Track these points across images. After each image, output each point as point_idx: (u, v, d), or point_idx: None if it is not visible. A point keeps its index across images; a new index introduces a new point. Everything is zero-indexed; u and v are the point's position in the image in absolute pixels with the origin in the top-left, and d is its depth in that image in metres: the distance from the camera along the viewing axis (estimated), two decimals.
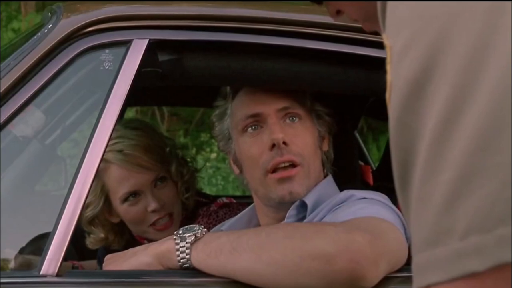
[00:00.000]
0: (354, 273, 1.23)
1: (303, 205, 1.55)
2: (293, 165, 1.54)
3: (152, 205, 1.83)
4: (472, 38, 0.51)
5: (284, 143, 1.53)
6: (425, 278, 0.51)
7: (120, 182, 1.84)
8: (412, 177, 0.53)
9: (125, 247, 1.95)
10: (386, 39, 0.58)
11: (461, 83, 0.51)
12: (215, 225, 1.91)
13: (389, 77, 0.57)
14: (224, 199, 2.03)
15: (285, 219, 1.55)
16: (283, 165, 1.53)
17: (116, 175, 1.84)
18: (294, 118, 1.58)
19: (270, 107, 1.57)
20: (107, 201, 1.88)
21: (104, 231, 1.92)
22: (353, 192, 1.51)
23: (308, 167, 1.56)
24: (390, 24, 0.58)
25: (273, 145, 1.53)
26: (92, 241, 1.94)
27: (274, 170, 1.53)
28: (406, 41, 0.54)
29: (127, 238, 1.97)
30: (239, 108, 1.61)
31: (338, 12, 0.93)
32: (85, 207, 1.83)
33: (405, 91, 0.54)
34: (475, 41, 0.51)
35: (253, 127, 1.57)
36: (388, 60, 0.57)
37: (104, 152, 1.39)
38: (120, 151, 1.83)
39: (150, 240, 1.90)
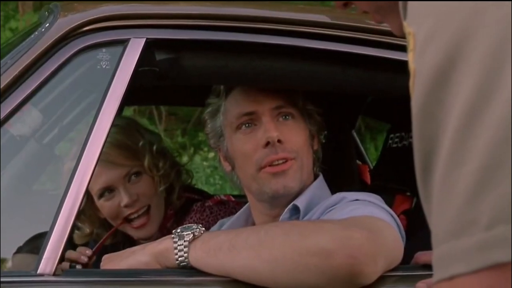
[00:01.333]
0: (353, 269, 1.23)
1: (295, 209, 1.55)
2: (286, 160, 1.55)
3: (124, 200, 1.85)
4: (497, 27, 0.50)
5: (279, 141, 1.54)
6: (448, 269, 0.50)
7: (94, 179, 1.86)
8: (435, 167, 0.53)
9: (118, 244, 1.98)
10: (407, 26, 0.57)
11: (486, 72, 0.50)
12: (207, 221, 1.91)
13: (411, 64, 0.56)
14: (222, 197, 2.03)
15: None
16: (277, 162, 1.54)
17: None
18: (287, 117, 1.59)
19: (264, 106, 1.57)
20: (91, 197, 1.90)
21: (90, 227, 1.95)
22: (345, 195, 1.51)
23: (302, 161, 1.57)
24: (413, 11, 0.57)
25: (267, 143, 1.54)
26: (77, 236, 1.96)
27: (269, 165, 1.54)
28: (431, 28, 0.54)
29: (118, 235, 1.98)
30: (233, 106, 1.62)
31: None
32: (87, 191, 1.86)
33: (429, 79, 0.53)
34: (500, 30, 0.50)
35: (247, 125, 1.58)
36: (410, 48, 0.56)
37: (102, 151, 1.39)
38: None
39: (132, 238, 1.92)
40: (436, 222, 0.53)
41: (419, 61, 0.55)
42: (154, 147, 1.93)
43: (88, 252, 1.61)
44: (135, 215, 1.88)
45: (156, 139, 2.01)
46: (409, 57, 0.57)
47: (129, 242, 1.98)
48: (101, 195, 1.88)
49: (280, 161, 1.54)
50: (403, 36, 0.60)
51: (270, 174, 1.54)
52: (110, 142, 1.85)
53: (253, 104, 1.58)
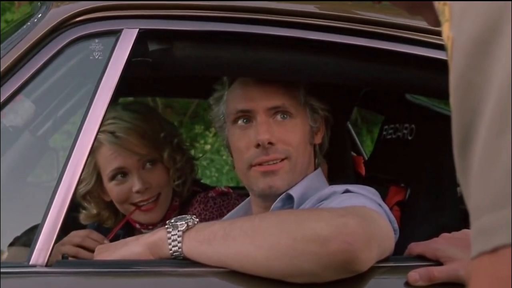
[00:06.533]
0: (349, 255, 1.22)
1: (289, 198, 1.55)
2: (278, 161, 1.56)
3: (137, 186, 1.86)
4: None
5: (270, 143, 1.55)
6: (490, 241, 0.49)
7: (109, 161, 1.88)
8: (475, 137, 0.51)
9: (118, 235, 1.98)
10: None
11: None
12: (211, 211, 1.92)
13: (448, 34, 0.55)
14: (223, 188, 2.04)
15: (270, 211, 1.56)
16: (267, 163, 1.56)
17: (105, 154, 1.88)
18: (285, 116, 1.60)
19: (259, 105, 1.58)
20: (100, 179, 1.91)
21: (96, 208, 1.96)
22: (336, 188, 1.52)
23: (295, 162, 1.58)
24: None
25: (259, 144, 1.55)
26: (84, 216, 1.98)
27: (259, 164, 1.56)
28: None
29: (120, 219, 1.99)
30: (231, 99, 1.63)
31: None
32: (79, 182, 1.87)
33: (469, 47, 0.52)
34: None
35: (244, 120, 1.60)
36: (446, 18, 0.56)
37: (94, 142, 1.38)
38: (112, 132, 1.86)
39: (139, 223, 1.93)
40: (476, 194, 0.51)
41: (457, 29, 0.53)
42: (175, 140, 1.95)
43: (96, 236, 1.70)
44: (145, 202, 1.88)
45: (176, 132, 2.03)
46: (444, 28, 0.56)
47: (128, 229, 1.99)
48: (112, 177, 1.88)
49: (271, 162, 1.56)
50: (438, 27, 0.59)
51: (260, 173, 1.56)
52: (132, 129, 1.88)
53: (248, 102, 1.60)
